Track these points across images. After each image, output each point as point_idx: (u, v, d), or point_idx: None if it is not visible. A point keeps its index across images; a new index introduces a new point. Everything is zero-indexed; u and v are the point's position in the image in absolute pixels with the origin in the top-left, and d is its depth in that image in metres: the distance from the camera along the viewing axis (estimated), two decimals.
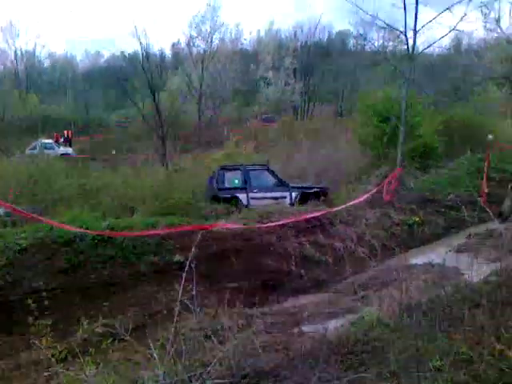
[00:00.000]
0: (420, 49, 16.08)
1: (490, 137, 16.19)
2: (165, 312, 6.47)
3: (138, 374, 4.38)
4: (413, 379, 3.64)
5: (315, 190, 13.46)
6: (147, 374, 3.89)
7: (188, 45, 32.38)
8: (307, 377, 3.90)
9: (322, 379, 3.83)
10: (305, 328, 6.85)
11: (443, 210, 13.01)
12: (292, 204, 12.82)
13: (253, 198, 12.54)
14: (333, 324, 5.86)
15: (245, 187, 12.71)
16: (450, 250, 9.47)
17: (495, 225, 9.62)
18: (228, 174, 13.18)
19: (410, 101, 15.34)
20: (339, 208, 11.33)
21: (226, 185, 12.95)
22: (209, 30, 31.29)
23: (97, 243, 8.28)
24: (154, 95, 16.81)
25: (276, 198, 12.74)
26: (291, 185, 13.30)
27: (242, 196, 12.55)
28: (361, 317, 5.64)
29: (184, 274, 4.02)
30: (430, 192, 14.09)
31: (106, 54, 69.66)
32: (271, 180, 13.21)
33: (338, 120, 34.96)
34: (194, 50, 31.95)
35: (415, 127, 16.36)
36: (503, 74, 29.49)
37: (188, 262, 4.09)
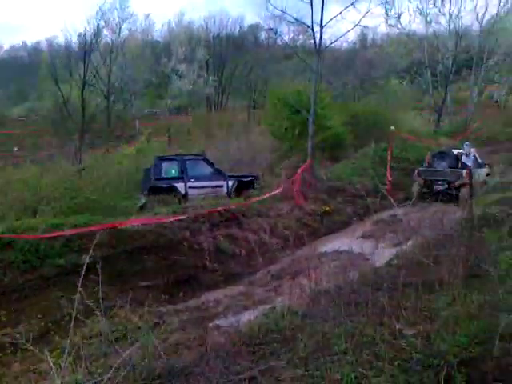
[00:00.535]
0: (327, 43, 16.66)
1: (393, 128, 17.12)
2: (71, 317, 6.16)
3: None
4: (320, 364, 3.75)
5: (250, 178, 13.66)
6: None
7: (95, 35, 30.87)
8: (219, 371, 3.89)
9: (234, 372, 3.83)
10: (219, 322, 6.86)
11: (351, 198, 13.61)
12: (229, 193, 12.94)
13: (190, 188, 12.55)
14: (247, 316, 5.88)
15: (182, 177, 12.67)
16: (357, 237, 9.95)
17: (397, 211, 10.21)
18: (165, 164, 13.00)
19: (319, 94, 15.82)
20: (253, 201, 11.45)
21: (163, 175, 12.78)
22: (117, 19, 30.05)
23: None
24: (83, 88, 15.98)
25: (213, 187, 12.81)
26: (228, 174, 13.38)
27: (180, 185, 12.50)
28: (273, 307, 5.73)
29: (81, 277, 3.81)
30: (339, 181, 14.67)
31: (6, 45, 64.89)
32: (208, 169, 13.16)
33: (252, 112, 35.28)
34: (102, 42, 30.56)
35: (325, 119, 16.90)
36: (404, 68, 31.46)
37: (85, 264, 3.87)
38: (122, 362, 3.81)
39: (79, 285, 3.70)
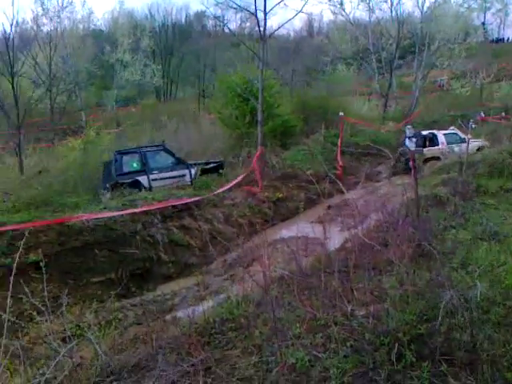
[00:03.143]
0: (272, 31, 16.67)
1: (341, 113, 17.41)
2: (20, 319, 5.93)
3: None
4: (274, 349, 3.78)
5: (213, 164, 13.61)
6: None
7: (34, 25, 29.47)
8: (174, 364, 3.86)
9: (189, 363, 3.80)
10: (176, 314, 6.81)
11: (304, 184, 13.74)
12: (192, 181, 12.81)
13: (154, 180, 12.33)
14: (203, 306, 5.85)
15: (144, 170, 12.39)
16: (310, 222, 10.07)
17: (349, 195, 10.41)
18: (125, 158, 12.66)
19: (267, 81, 15.82)
20: (212, 194, 11.35)
21: (125, 169, 12.45)
22: (56, 7, 28.72)
23: None
24: (12, 79, 15.28)
25: (176, 177, 12.64)
26: (189, 162, 13.23)
27: (143, 179, 12.23)
28: (228, 296, 5.72)
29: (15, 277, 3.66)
30: (291, 168, 14.79)
31: None
32: (169, 159, 12.97)
33: (202, 101, 34.96)
34: (42, 31, 29.20)
35: (274, 107, 16.95)
36: (350, 55, 31.96)
37: (15, 264, 3.66)
38: (75, 361, 3.72)
39: (10, 283, 3.50)
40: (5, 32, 16.16)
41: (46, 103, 23.50)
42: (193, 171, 12.95)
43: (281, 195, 12.98)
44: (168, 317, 6.74)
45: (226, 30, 44.93)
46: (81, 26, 33.59)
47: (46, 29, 28.25)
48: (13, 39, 16.31)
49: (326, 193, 9.48)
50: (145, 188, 12.09)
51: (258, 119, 14.34)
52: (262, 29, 13.46)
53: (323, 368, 3.50)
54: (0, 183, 12.25)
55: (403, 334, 3.63)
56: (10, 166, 15.91)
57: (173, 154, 13.09)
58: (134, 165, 12.58)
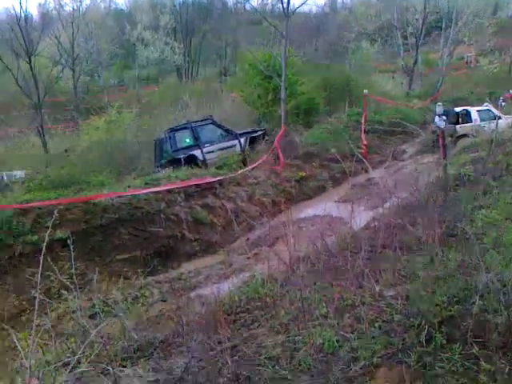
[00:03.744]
0: (296, 7, 16.31)
1: (366, 91, 17.03)
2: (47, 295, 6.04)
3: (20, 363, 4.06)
4: (301, 329, 3.75)
5: (259, 133, 13.95)
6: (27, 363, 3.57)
7: (56, 4, 29.47)
8: (200, 341, 3.86)
9: (215, 341, 3.80)
10: (200, 292, 6.84)
11: (327, 163, 13.59)
12: (243, 150, 13.10)
13: (207, 153, 12.64)
14: (227, 285, 5.86)
15: (197, 144, 12.69)
16: (334, 201, 9.98)
17: (373, 174, 10.25)
18: (178, 135, 12.97)
19: (290, 59, 15.56)
20: (237, 173, 11.34)
21: (179, 145, 12.78)
22: None
23: None
24: (30, 59, 15.43)
25: (228, 148, 12.94)
26: (237, 132, 13.47)
27: (197, 153, 12.54)
28: (252, 275, 5.70)
29: (41, 254, 3.67)
30: (314, 147, 14.60)
31: None
32: (218, 131, 13.25)
33: (223, 80, 34.71)
34: (64, 11, 29.15)
35: (296, 85, 16.70)
36: (374, 30, 31.22)
37: (45, 241, 3.56)
38: (103, 337, 3.75)
39: (40, 261, 3.48)
40: (15, 12, 16.19)
41: (69, 83, 23.65)
42: (242, 140, 13.17)
43: (304, 174, 12.86)
44: (192, 294, 6.78)
45: (248, 8, 44.21)
46: (102, 6, 33.52)
47: (68, 9, 28.28)
48: (25, 18, 16.33)
49: (349, 172, 9.35)
50: (200, 161, 12.34)
51: (280, 97, 14.16)
52: (285, 5, 13.19)
53: (351, 349, 3.45)
54: (27, 162, 12.43)
55: (433, 315, 3.55)
56: (34, 146, 16.11)
57: (221, 126, 13.27)
58: (187, 140, 12.92)
